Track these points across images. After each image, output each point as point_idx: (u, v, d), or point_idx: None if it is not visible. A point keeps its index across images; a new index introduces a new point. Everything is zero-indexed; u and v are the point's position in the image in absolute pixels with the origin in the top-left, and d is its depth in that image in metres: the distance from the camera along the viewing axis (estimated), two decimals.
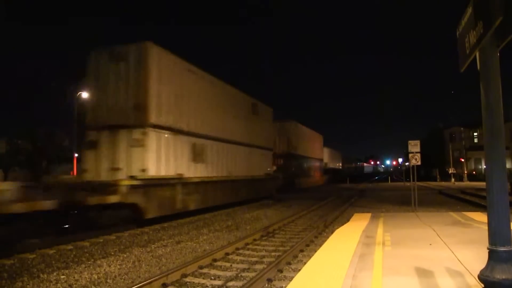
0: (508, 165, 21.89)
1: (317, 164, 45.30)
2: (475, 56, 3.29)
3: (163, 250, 8.56)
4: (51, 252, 8.24)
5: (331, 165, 57.17)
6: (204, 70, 16.02)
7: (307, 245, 8.68)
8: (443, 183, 42.89)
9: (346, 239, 7.58)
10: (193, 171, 14.49)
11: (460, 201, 19.74)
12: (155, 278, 5.78)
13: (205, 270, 6.70)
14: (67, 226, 9.74)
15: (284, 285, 5.49)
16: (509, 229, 3.04)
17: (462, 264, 5.29)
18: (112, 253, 8.29)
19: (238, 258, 7.72)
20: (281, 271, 6.39)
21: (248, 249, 8.60)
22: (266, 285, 5.74)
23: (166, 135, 12.90)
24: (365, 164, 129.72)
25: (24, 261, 7.46)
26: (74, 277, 6.42)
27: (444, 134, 58.79)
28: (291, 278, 5.23)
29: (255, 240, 9.55)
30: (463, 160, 50.87)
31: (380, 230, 8.67)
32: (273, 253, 8.08)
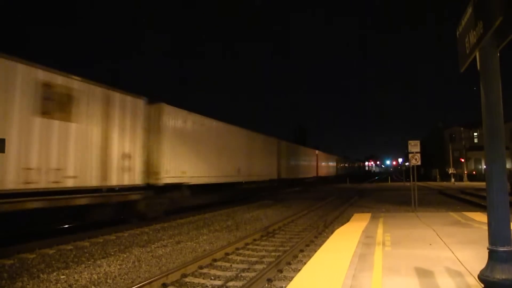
0: (508, 165, 21.91)
1: None
2: (475, 56, 3.29)
3: (163, 250, 8.56)
4: (51, 252, 8.23)
5: None
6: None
7: (307, 245, 8.68)
8: (443, 183, 42.90)
9: (346, 239, 7.58)
10: None
11: (460, 201, 19.73)
12: (155, 278, 5.79)
13: (205, 270, 6.70)
14: None
15: (284, 285, 5.49)
16: (509, 229, 3.04)
17: (462, 264, 5.29)
18: (112, 253, 8.29)
19: (238, 258, 7.72)
20: (281, 271, 6.39)
21: (248, 249, 8.60)
22: (266, 285, 5.74)
23: None
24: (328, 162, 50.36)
25: (24, 261, 7.45)
26: (74, 277, 6.42)
27: (444, 134, 58.77)
28: (291, 278, 5.23)
29: (255, 240, 9.55)
30: (463, 160, 50.82)
31: (380, 230, 8.68)
32: (273, 253, 8.08)
